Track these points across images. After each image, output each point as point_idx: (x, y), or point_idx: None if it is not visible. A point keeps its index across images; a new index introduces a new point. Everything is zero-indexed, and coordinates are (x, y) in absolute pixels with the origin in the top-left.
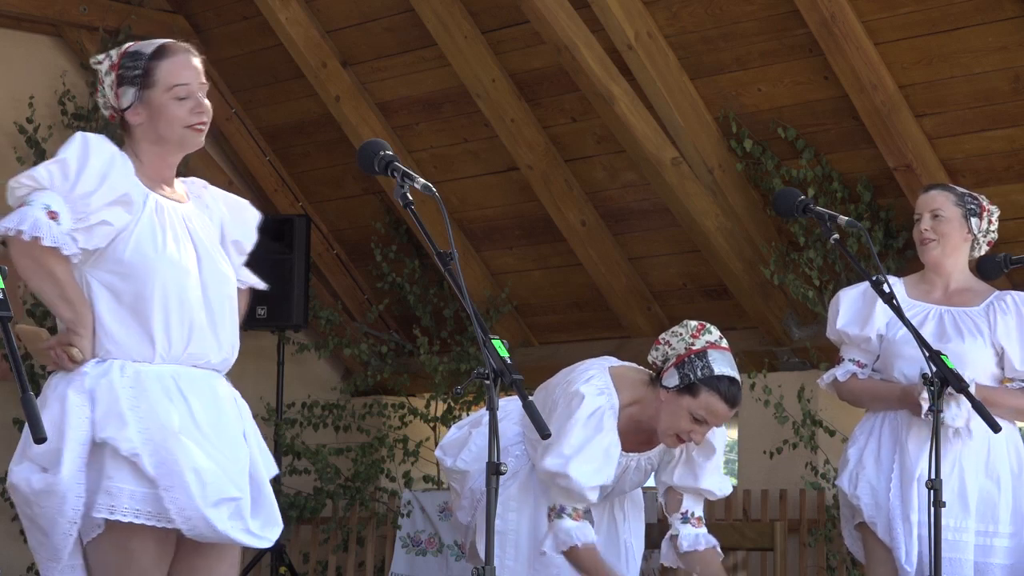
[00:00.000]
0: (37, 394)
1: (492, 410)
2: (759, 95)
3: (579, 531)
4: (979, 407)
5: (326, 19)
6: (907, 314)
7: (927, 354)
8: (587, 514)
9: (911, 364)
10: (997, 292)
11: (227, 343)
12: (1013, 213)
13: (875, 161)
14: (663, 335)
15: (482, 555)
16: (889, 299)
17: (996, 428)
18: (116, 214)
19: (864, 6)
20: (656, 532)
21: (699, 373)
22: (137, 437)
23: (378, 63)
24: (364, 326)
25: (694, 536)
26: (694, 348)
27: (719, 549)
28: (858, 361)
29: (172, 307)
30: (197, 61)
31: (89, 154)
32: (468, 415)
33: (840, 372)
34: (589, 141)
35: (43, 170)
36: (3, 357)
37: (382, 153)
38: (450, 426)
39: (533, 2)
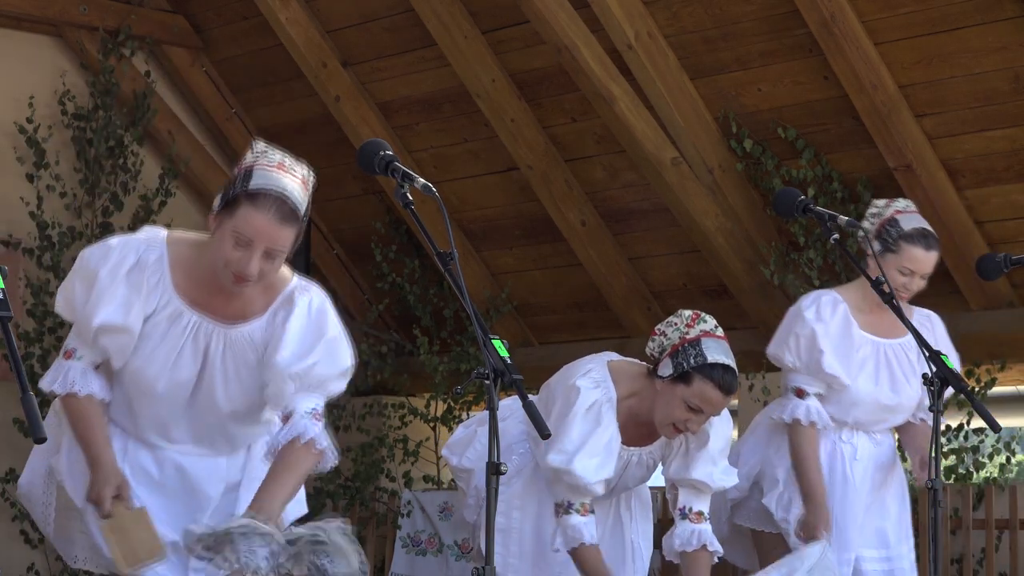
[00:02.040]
0: (37, 394)
1: (492, 410)
2: (759, 95)
3: (587, 527)
4: (980, 408)
5: (326, 19)
6: (858, 353)
7: (927, 354)
8: (593, 510)
9: (865, 410)
10: (914, 312)
11: (212, 450)
12: (1013, 213)
13: (875, 161)
14: (659, 326)
15: (492, 557)
16: (889, 299)
17: (997, 428)
18: (112, 341)
19: (864, 6)
20: (655, 532)
21: (692, 361)
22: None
23: (378, 63)
24: (364, 326)
25: (688, 533)
26: (688, 337)
27: (712, 547)
28: (820, 396)
29: (143, 413)
30: (280, 230)
31: (89, 285)
32: (468, 415)
33: (817, 417)
34: (589, 141)
35: (60, 299)
36: (3, 357)
37: (382, 153)
38: (450, 426)
39: (533, 2)
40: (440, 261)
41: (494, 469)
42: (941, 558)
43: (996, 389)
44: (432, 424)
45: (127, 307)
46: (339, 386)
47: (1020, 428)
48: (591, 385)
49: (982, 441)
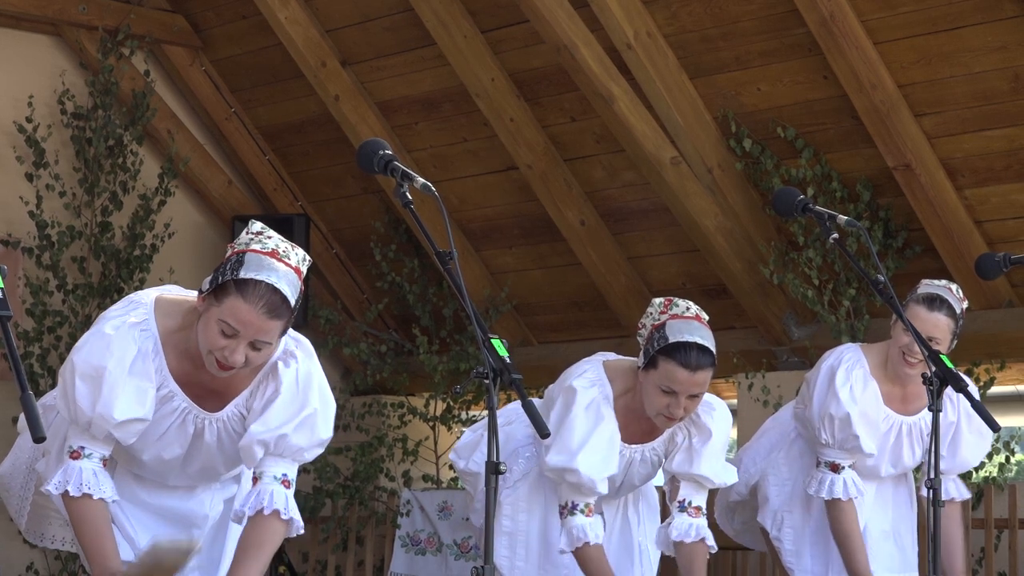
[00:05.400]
0: (36, 393)
1: (491, 409)
2: (758, 94)
3: (592, 527)
4: (979, 407)
5: (325, 18)
6: (881, 428)
7: (927, 353)
8: (602, 512)
9: (859, 468)
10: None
11: (207, 484)
12: (1013, 213)
13: (874, 160)
14: (640, 320)
15: (491, 556)
16: (890, 299)
17: (996, 428)
18: (129, 432)
19: (863, 5)
20: None
21: (656, 345)
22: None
23: (377, 62)
24: (363, 325)
25: (686, 526)
26: (656, 324)
27: (709, 542)
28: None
29: (135, 464)
30: (268, 323)
31: (97, 383)
32: (467, 415)
33: (855, 490)
34: (588, 140)
35: (61, 403)
36: (2, 356)
37: (381, 152)
38: (449, 425)
39: (532, 1)
40: (439, 260)
41: (493, 468)
42: (940, 558)
43: (995, 389)
44: (431, 423)
45: (142, 397)
46: (313, 455)
47: (1019, 428)
48: (587, 384)
49: None
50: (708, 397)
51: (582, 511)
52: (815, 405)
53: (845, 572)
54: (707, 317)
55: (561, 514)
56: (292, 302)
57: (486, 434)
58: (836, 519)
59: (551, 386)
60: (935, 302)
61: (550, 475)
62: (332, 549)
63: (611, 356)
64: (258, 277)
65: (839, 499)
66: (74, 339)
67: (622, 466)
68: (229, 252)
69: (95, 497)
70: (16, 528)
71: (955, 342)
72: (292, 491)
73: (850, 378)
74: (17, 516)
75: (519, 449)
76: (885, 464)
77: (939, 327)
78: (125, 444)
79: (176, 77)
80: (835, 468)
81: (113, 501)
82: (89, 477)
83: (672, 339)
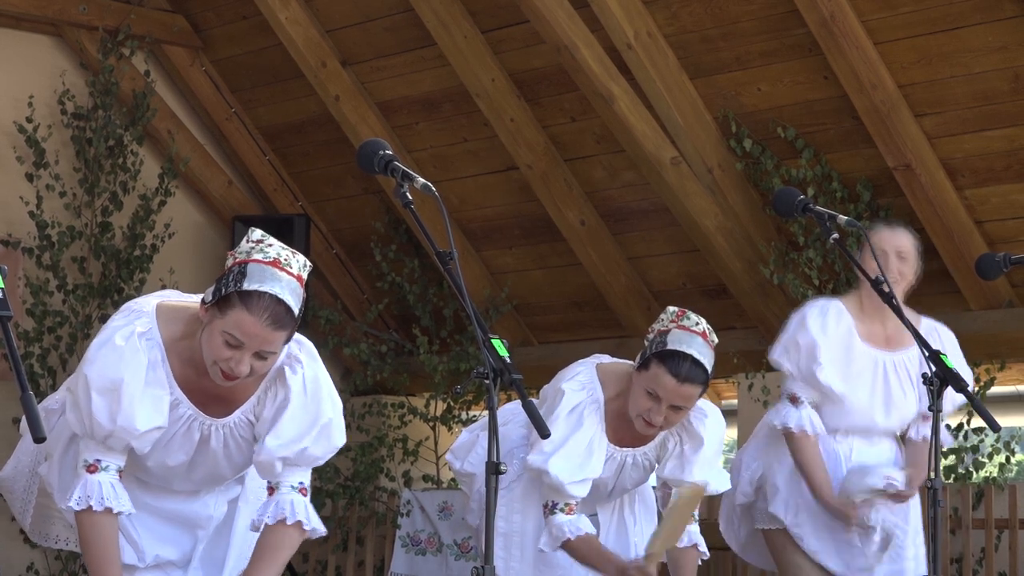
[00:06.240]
0: (36, 394)
1: (491, 409)
2: (758, 95)
3: (571, 524)
4: (980, 407)
5: (326, 19)
6: (856, 365)
7: (927, 354)
8: (581, 507)
9: (858, 419)
10: (921, 322)
11: (211, 488)
12: (1012, 213)
13: (874, 161)
14: (651, 325)
15: (491, 556)
16: (889, 299)
17: (996, 428)
18: (149, 440)
19: (864, 5)
20: None
21: (653, 349)
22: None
23: (378, 63)
24: (363, 325)
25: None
26: (663, 330)
27: (702, 548)
28: (815, 404)
29: (140, 468)
30: (273, 334)
31: (115, 395)
32: (468, 415)
33: (808, 425)
34: (589, 141)
35: (73, 418)
36: (2, 356)
37: (382, 152)
38: (450, 426)
39: (532, 1)
40: (440, 260)
41: (493, 468)
42: (940, 558)
43: (996, 389)
44: (432, 424)
45: (159, 405)
46: (326, 459)
47: (1020, 428)
48: (577, 388)
49: (982, 441)
50: (702, 403)
51: (562, 510)
52: (783, 338)
53: (859, 558)
54: (716, 340)
55: (544, 513)
56: (296, 311)
57: (482, 435)
58: (793, 451)
59: (545, 386)
60: (894, 223)
61: (531, 474)
62: (332, 549)
63: (607, 359)
64: (262, 288)
65: (791, 430)
66: (74, 339)
67: (613, 469)
68: (231, 262)
69: (115, 511)
70: (17, 528)
71: (920, 267)
72: (309, 497)
73: (824, 313)
74: (21, 517)
75: (514, 450)
76: (878, 410)
77: (904, 242)
78: (140, 453)
79: (176, 77)
80: (794, 400)
81: (130, 514)
82: (108, 491)
83: (670, 346)
